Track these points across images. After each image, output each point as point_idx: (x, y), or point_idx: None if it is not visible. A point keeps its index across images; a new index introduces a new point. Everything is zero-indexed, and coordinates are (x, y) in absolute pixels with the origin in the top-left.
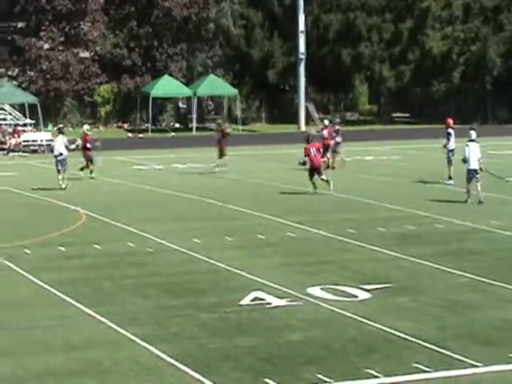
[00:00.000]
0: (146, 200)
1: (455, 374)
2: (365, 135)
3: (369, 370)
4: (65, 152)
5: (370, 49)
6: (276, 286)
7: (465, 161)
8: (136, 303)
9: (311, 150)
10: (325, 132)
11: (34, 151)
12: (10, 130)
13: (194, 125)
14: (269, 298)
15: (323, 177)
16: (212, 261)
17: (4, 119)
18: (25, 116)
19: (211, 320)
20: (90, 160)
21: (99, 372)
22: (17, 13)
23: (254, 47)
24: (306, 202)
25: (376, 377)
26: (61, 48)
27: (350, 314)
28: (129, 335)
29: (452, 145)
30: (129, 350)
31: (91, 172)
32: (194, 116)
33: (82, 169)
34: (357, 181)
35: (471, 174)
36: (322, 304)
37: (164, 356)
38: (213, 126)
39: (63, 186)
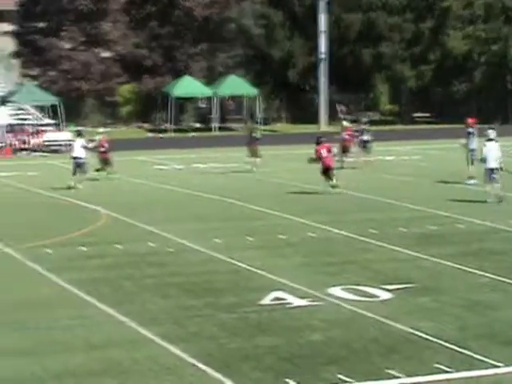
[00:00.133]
0: (166, 200)
1: (476, 375)
2: (386, 135)
3: (390, 371)
4: (83, 155)
5: (391, 48)
6: (297, 286)
7: (483, 160)
8: (156, 303)
9: (321, 151)
10: (344, 134)
11: (55, 151)
12: (32, 130)
13: (216, 125)
14: (289, 298)
15: (333, 182)
16: (233, 261)
17: (25, 119)
18: (48, 116)
19: (231, 320)
20: (105, 162)
21: (119, 372)
22: (38, 13)
23: (274, 47)
24: (326, 202)
25: (397, 377)
26: (82, 48)
27: (371, 315)
28: (149, 335)
29: (473, 144)
30: (148, 349)
31: (108, 173)
32: (216, 116)
33: (97, 170)
34: (378, 181)
35: (489, 173)
36: (343, 304)
37: (184, 356)
38: (240, 127)
39: (72, 184)
